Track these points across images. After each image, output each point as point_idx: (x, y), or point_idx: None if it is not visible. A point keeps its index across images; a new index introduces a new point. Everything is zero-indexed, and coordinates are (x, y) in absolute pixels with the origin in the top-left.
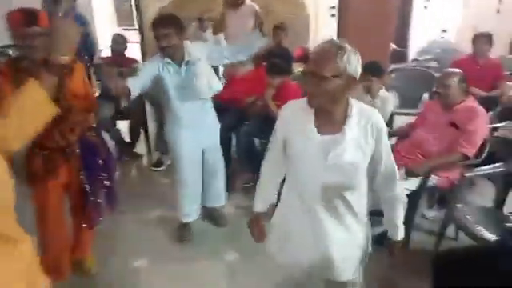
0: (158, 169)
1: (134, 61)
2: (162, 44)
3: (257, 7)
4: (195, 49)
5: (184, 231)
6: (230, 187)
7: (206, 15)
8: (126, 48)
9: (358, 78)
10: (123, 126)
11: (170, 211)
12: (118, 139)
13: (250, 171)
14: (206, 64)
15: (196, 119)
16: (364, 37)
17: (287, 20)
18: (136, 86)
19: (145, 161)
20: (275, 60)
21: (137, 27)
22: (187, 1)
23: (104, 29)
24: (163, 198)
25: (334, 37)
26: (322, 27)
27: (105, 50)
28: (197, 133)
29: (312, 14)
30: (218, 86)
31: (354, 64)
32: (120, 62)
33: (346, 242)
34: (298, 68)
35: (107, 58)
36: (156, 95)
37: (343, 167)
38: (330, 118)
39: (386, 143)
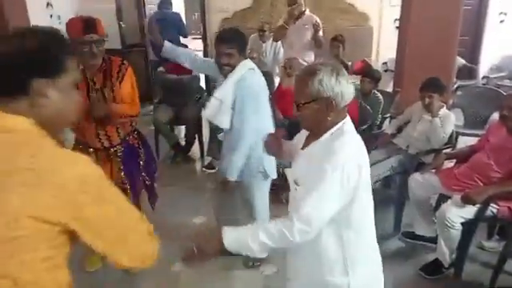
0: (209, 171)
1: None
2: (223, 61)
3: (316, 18)
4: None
5: None
6: (274, 199)
7: (266, 26)
8: None
9: (342, 97)
10: (180, 131)
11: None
12: (175, 143)
13: None
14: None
15: None
16: (425, 51)
17: (349, 32)
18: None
19: (198, 166)
20: None
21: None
22: (250, 12)
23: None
24: (206, 204)
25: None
26: (386, 39)
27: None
28: None
29: (375, 26)
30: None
31: (328, 85)
32: (180, 71)
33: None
34: (356, 81)
35: (169, 65)
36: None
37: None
38: (314, 139)
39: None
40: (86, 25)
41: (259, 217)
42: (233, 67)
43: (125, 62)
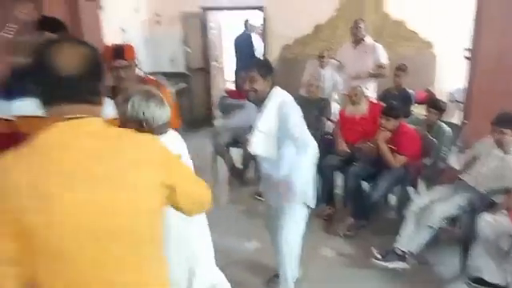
0: (262, 199)
1: None
2: (246, 87)
3: (379, 46)
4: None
5: None
6: (330, 230)
7: (326, 53)
8: None
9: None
10: (237, 153)
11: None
12: (231, 165)
13: (354, 217)
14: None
15: None
16: (498, 83)
17: (410, 59)
18: None
19: (252, 190)
20: (393, 102)
21: None
22: (310, 38)
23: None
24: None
25: (463, 80)
26: (451, 68)
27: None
28: None
29: (439, 54)
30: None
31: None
32: (242, 96)
33: None
34: (420, 111)
35: (231, 91)
36: None
37: None
38: None
39: None
40: (116, 52)
41: (286, 247)
42: (257, 92)
43: (161, 83)
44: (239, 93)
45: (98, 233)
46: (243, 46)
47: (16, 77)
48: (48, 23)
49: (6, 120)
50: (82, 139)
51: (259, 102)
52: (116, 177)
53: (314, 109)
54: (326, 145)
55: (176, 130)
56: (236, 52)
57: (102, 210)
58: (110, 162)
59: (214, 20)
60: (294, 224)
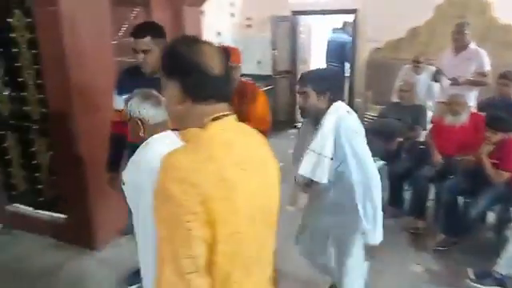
0: None
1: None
2: (299, 103)
3: (483, 53)
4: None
5: None
6: (419, 245)
7: (422, 58)
8: None
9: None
10: None
11: None
12: None
13: (446, 232)
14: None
15: None
16: None
17: None
18: None
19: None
20: (498, 113)
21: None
22: (404, 42)
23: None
24: None
25: None
26: None
27: None
28: None
29: None
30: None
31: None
32: None
33: None
34: None
35: None
36: None
37: None
38: None
39: None
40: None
41: (350, 275)
42: (311, 109)
43: (257, 85)
44: None
45: (263, 214)
46: (337, 48)
47: (126, 75)
48: (153, 28)
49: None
50: (239, 135)
51: (315, 119)
52: (266, 167)
53: (407, 116)
54: (418, 155)
55: (264, 131)
56: (327, 55)
57: (265, 196)
58: (259, 154)
59: (304, 24)
60: (356, 255)
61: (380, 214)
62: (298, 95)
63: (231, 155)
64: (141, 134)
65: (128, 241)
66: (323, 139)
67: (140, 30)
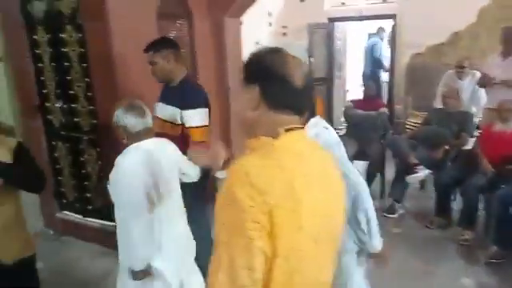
0: (390, 216)
1: (382, 104)
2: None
3: None
4: None
5: None
6: (469, 257)
7: (466, 62)
8: (376, 93)
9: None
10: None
11: (398, 263)
12: None
13: (498, 245)
14: None
15: None
16: None
17: None
18: None
19: (375, 205)
20: None
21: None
22: (446, 47)
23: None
24: (390, 248)
25: None
26: None
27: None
28: None
29: None
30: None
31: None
32: (368, 106)
33: None
34: None
35: (357, 101)
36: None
37: None
38: None
39: None
40: None
41: None
42: None
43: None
44: (366, 102)
45: (327, 235)
46: (373, 53)
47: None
48: (155, 44)
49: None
50: (309, 149)
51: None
52: (332, 185)
53: (452, 123)
54: (467, 163)
55: None
56: (365, 60)
57: (330, 215)
58: (327, 171)
59: (341, 30)
60: (359, 274)
61: (374, 219)
62: None
63: (301, 167)
64: (124, 141)
65: None
66: None
67: (147, 46)
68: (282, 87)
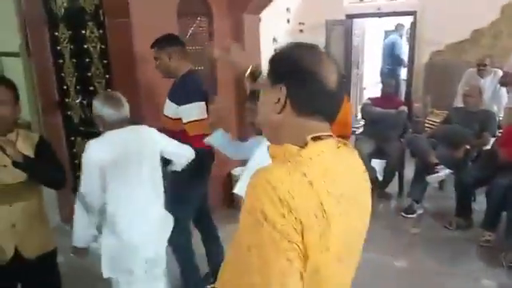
0: (409, 216)
1: (401, 102)
2: (248, 119)
3: None
4: None
5: None
6: (491, 259)
7: (488, 60)
8: (394, 91)
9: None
10: (378, 164)
11: (416, 264)
12: (373, 177)
13: None
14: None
15: None
16: None
17: None
18: None
19: (393, 204)
20: None
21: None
22: (467, 44)
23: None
24: (408, 248)
25: None
26: None
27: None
28: None
29: None
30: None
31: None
32: (387, 104)
33: None
34: None
35: (375, 99)
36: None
37: None
38: None
39: None
40: None
41: None
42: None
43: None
44: (384, 100)
45: (349, 255)
46: (392, 50)
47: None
48: (158, 40)
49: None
50: (339, 162)
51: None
52: (360, 202)
53: (474, 122)
54: (488, 163)
55: (347, 135)
56: (383, 57)
57: (354, 234)
58: (356, 186)
59: (359, 27)
60: None
61: None
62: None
63: (330, 185)
64: (101, 129)
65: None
66: (260, 158)
67: (152, 43)
68: (313, 88)
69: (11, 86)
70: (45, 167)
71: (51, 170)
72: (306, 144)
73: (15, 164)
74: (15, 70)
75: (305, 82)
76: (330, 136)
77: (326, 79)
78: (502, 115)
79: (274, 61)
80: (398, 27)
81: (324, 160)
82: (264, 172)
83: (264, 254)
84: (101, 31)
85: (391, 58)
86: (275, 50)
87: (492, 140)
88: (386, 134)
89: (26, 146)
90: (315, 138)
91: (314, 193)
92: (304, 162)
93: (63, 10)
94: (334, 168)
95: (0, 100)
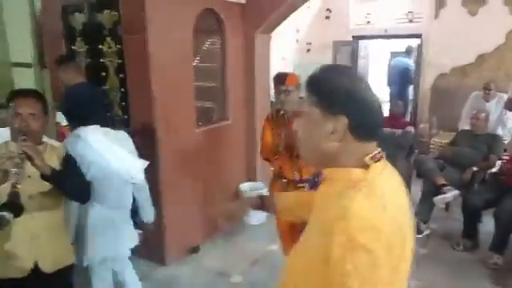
0: (417, 236)
1: (408, 123)
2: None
3: None
4: None
5: None
6: (498, 281)
7: (492, 85)
8: (402, 111)
9: None
10: None
11: (426, 283)
12: None
13: None
14: None
15: None
16: None
17: None
18: None
19: None
20: None
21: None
22: (471, 68)
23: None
24: (416, 268)
25: None
26: None
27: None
28: None
29: None
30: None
31: None
32: (394, 125)
33: None
34: None
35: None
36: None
37: None
38: None
39: None
40: (279, 78)
41: None
42: None
43: None
44: (391, 120)
45: (407, 271)
46: (400, 72)
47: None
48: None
49: None
50: (392, 175)
51: None
52: (407, 214)
53: (481, 145)
54: (497, 186)
55: None
56: (389, 79)
57: (407, 251)
58: (405, 202)
59: (365, 48)
60: None
61: None
62: None
63: (396, 203)
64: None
65: (192, 259)
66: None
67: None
68: (374, 116)
69: (41, 98)
70: (71, 180)
71: (76, 183)
72: (365, 166)
73: (43, 177)
74: (27, 81)
75: (365, 111)
76: (380, 153)
77: (377, 103)
78: (505, 138)
79: (321, 90)
80: (409, 49)
81: (384, 179)
82: (350, 203)
83: (363, 280)
84: (118, 46)
85: (401, 78)
86: (311, 75)
87: (498, 162)
88: (392, 154)
89: (52, 158)
90: (373, 159)
91: (390, 214)
92: (374, 186)
93: (82, 25)
94: (392, 186)
95: (31, 113)
